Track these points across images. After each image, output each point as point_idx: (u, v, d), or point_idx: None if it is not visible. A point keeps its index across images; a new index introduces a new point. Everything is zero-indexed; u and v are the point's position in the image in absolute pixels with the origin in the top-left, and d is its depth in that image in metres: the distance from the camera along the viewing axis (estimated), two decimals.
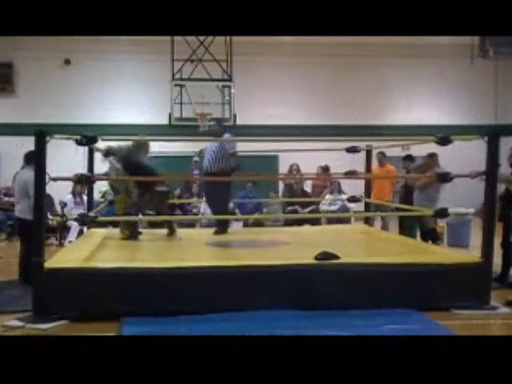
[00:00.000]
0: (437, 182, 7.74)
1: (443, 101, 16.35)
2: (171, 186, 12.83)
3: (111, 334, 4.74)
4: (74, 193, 10.75)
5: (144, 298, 5.34)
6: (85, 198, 10.12)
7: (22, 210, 6.98)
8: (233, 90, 13.22)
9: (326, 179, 11.28)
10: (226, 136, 7.98)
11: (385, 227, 9.67)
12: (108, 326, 5.05)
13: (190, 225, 10.85)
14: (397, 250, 6.67)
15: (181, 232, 8.03)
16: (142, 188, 7.25)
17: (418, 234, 8.73)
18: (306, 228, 9.86)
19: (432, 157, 8.37)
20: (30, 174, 7.07)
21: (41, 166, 5.46)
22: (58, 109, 14.55)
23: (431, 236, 8.34)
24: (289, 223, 10.36)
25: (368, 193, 9.13)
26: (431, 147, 7.92)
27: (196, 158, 11.36)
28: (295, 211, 10.75)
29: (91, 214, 7.11)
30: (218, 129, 8.25)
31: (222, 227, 8.07)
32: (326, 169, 11.22)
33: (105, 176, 8.56)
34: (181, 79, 13.13)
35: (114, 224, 9.68)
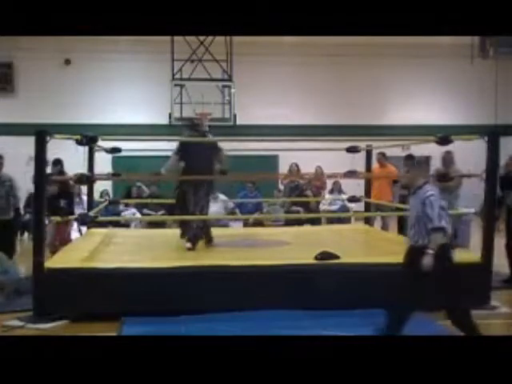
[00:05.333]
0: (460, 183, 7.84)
1: (443, 101, 16.34)
2: (171, 186, 12.88)
3: (111, 334, 4.74)
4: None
5: (144, 298, 5.35)
6: (84, 198, 10.10)
7: None
8: (233, 90, 13.22)
9: (323, 180, 11.30)
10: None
11: (385, 227, 9.66)
12: (108, 326, 5.05)
13: None
14: (397, 250, 6.65)
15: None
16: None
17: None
18: (306, 228, 9.86)
19: (448, 154, 8.27)
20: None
21: (41, 165, 5.46)
22: (58, 109, 14.53)
23: None
24: (289, 223, 10.36)
25: (368, 193, 9.14)
26: (432, 147, 7.92)
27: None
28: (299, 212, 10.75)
29: (91, 213, 7.12)
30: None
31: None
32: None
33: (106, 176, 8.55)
34: (181, 79, 13.13)
35: (115, 224, 9.69)
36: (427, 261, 4.13)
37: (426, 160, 13.34)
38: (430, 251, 4.14)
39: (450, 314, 4.27)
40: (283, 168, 13.28)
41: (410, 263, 4.29)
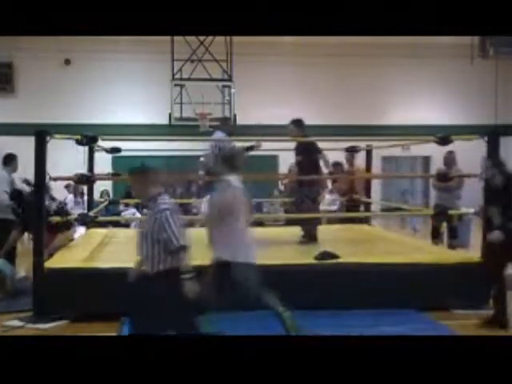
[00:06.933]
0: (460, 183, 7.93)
1: (443, 101, 16.34)
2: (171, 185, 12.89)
3: (111, 334, 4.74)
4: (74, 193, 10.75)
5: None
6: (84, 197, 10.11)
7: None
8: (233, 90, 13.21)
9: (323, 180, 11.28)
10: (219, 135, 7.62)
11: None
12: (108, 326, 5.05)
13: (189, 224, 10.84)
14: (397, 250, 6.67)
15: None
16: None
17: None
18: None
19: (450, 154, 8.27)
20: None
21: (41, 165, 5.46)
22: (58, 109, 14.54)
23: (433, 235, 8.39)
24: (290, 223, 10.33)
25: (368, 192, 9.14)
26: (432, 147, 7.92)
27: (202, 159, 11.19)
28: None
29: (91, 213, 7.12)
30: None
31: None
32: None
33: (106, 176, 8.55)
34: (181, 79, 13.12)
35: (115, 224, 9.69)
36: (192, 288, 3.82)
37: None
38: (188, 276, 3.84)
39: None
40: (283, 168, 13.28)
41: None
